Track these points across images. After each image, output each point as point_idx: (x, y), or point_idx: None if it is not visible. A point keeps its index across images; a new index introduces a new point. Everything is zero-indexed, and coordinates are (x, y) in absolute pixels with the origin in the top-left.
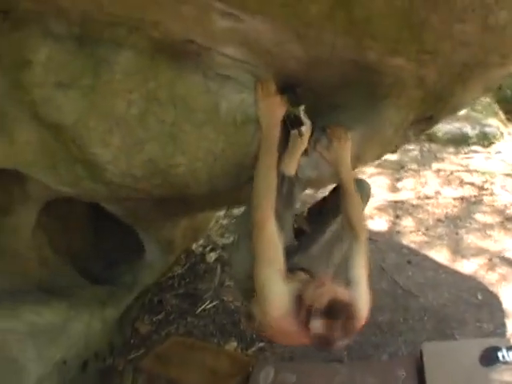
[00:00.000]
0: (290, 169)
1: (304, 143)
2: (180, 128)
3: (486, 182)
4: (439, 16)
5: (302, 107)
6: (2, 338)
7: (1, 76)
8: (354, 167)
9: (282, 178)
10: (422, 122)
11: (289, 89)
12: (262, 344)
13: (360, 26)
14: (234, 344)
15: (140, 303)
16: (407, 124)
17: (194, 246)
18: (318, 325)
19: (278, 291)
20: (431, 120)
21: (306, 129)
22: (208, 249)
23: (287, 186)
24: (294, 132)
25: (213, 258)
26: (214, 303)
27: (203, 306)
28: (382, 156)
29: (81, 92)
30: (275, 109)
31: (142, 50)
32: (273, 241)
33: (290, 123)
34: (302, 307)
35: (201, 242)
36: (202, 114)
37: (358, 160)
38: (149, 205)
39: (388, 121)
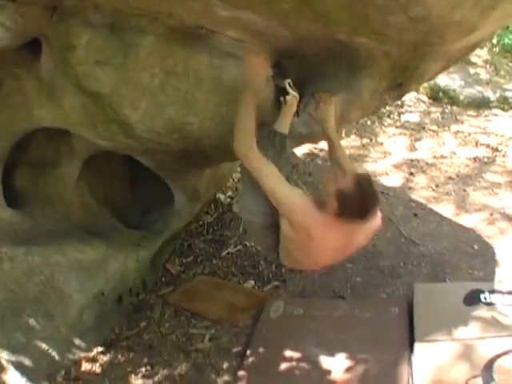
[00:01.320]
0: (283, 127)
1: (292, 107)
2: (192, 94)
3: (501, 143)
4: (373, 10)
5: (288, 80)
6: (50, 271)
7: (52, 56)
8: (340, 126)
9: (274, 134)
10: (395, 88)
11: (277, 64)
12: (276, 283)
13: (322, 16)
14: (252, 283)
15: (172, 247)
16: (382, 90)
17: (222, 198)
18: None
19: (296, 193)
20: (402, 86)
21: (291, 97)
22: (235, 200)
23: (280, 141)
24: (281, 99)
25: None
26: (237, 248)
27: (227, 250)
28: (363, 116)
29: (114, 68)
30: (260, 68)
31: (161, 35)
32: (264, 162)
33: (278, 92)
34: (329, 197)
35: (229, 193)
36: (209, 83)
37: (342, 119)
38: (174, 157)
39: (365, 87)
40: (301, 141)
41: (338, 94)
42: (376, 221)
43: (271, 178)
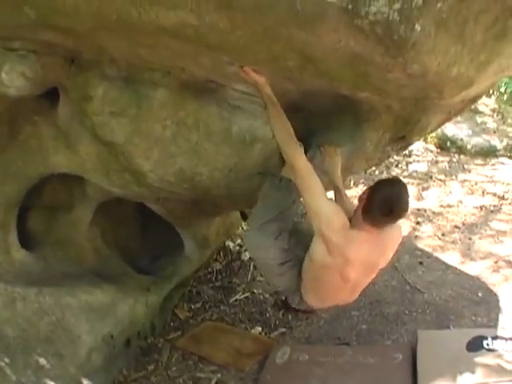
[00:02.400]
0: (289, 174)
1: None
2: (202, 146)
3: (508, 192)
4: (373, 68)
5: None
6: (61, 312)
7: (69, 105)
8: (346, 176)
9: (280, 179)
10: (398, 141)
11: None
12: (283, 329)
13: (325, 73)
14: (259, 329)
15: (181, 293)
16: (385, 142)
17: (231, 246)
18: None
19: (333, 209)
20: (404, 139)
21: None
22: (244, 248)
23: (286, 184)
24: None
25: (247, 257)
26: (245, 295)
27: (235, 297)
28: (368, 168)
29: (128, 119)
30: (258, 78)
31: (173, 88)
32: (312, 174)
33: None
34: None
35: (238, 241)
36: (218, 135)
37: (348, 171)
38: (184, 205)
39: (369, 140)
40: None
41: (343, 146)
42: (399, 232)
43: (315, 190)
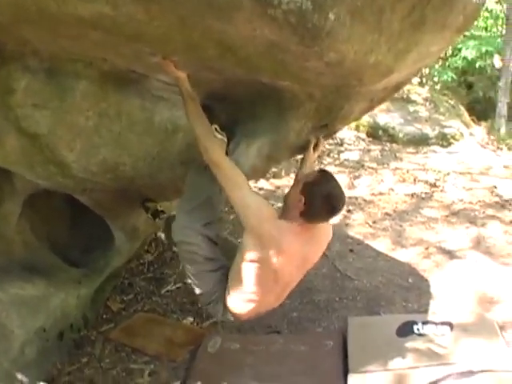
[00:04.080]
0: None
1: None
2: (125, 136)
3: (439, 179)
4: (290, 57)
5: (215, 126)
6: None
7: None
8: (270, 166)
9: (205, 167)
10: (320, 129)
11: (207, 108)
12: (214, 319)
13: (245, 62)
14: (191, 319)
15: (113, 285)
16: (307, 130)
17: (162, 237)
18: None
19: (259, 200)
20: (327, 128)
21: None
22: None
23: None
24: None
25: None
26: (176, 285)
27: (167, 288)
28: (291, 156)
29: (51, 111)
30: (178, 73)
31: (95, 79)
32: (234, 168)
33: None
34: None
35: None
36: (140, 125)
37: (271, 159)
38: (111, 196)
39: (292, 128)
40: None
41: (266, 134)
42: (330, 228)
43: (238, 182)
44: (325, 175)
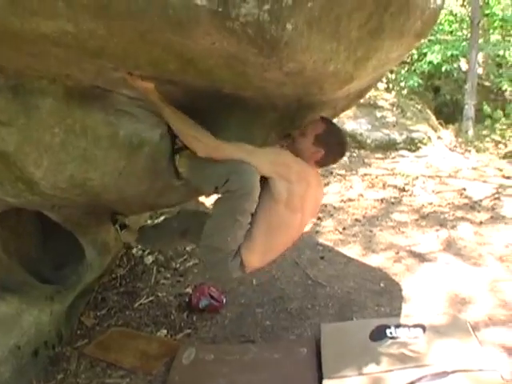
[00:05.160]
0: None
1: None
2: (91, 151)
3: (408, 183)
4: (250, 68)
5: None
6: None
7: None
8: None
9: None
10: (284, 139)
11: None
12: (188, 331)
13: (206, 74)
14: (165, 332)
15: (86, 301)
16: (271, 141)
17: (134, 251)
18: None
19: (275, 150)
20: (290, 137)
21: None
22: (146, 252)
23: None
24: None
25: (150, 261)
26: (149, 299)
27: (140, 302)
28: None
29: (18, 128)
30: (143, 84)
31: (60, 96)
32: (234, 144)
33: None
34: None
35: (139, 246)
36: (106, 140)
37: None
38: (80, 212)
39: (257, 139)
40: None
41: None
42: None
43: (245, 148)
44: (330, 122)
